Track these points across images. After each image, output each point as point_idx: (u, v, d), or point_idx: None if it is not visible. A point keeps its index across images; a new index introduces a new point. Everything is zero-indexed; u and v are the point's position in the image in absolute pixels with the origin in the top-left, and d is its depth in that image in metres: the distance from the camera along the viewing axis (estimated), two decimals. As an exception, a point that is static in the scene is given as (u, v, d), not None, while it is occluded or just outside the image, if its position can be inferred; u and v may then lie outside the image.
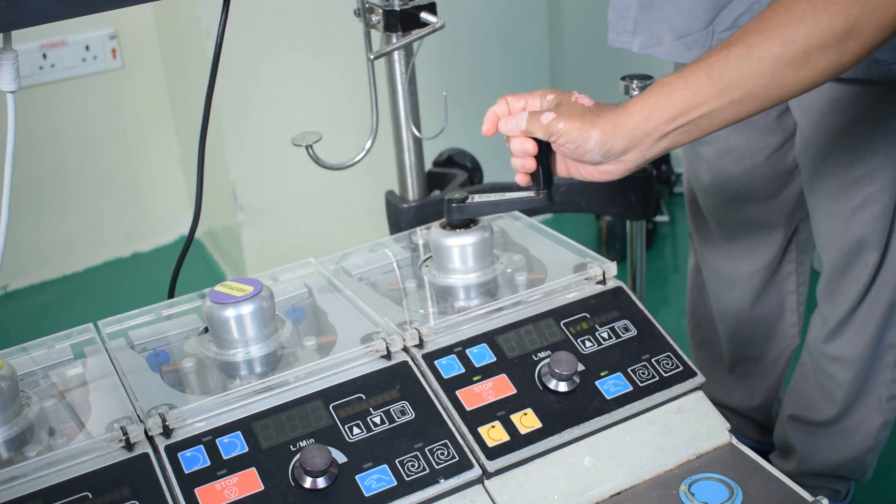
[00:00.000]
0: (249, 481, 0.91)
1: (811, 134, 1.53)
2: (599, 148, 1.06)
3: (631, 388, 1.04)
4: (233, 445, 0.93)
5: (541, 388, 1.02)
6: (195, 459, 0.92)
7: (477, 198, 1.16)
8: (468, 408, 0.99)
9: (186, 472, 0.91)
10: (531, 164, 1.11)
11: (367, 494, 0.91)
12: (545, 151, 1.11)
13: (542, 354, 1.05)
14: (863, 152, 1.49)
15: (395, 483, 0.92)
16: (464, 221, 1.16)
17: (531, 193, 1.13)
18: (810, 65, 0.99)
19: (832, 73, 1.01)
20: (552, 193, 1.13)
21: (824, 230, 1.59)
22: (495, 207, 1.16)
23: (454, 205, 1.15)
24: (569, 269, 1.17)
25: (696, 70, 1.03)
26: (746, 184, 1.72)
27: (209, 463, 0.92)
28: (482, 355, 1.04)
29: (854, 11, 0.96)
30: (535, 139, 1.10)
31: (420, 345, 1.05)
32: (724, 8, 1.46)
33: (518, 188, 1.15)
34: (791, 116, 1.60)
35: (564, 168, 1.13)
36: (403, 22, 1.44)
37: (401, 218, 1.58)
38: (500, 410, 1.00)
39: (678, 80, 1.03)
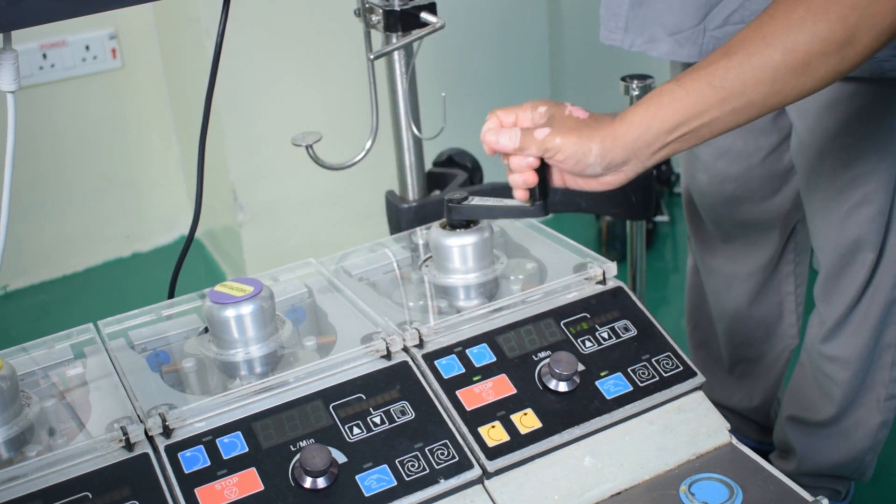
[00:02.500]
0: (249, 481, 0.91)
1: (807, 135, 1.54)
2: (600, 161, 1.04)
3: (631, 388, 1.04)
4: (233, 445, 0.93)
5: (541, 388, 1.02)
6: (195, 459, 0.92)
7: (476, 200, 1.15)
8: (468, 408, 0.99)
9: (186, 472, 0.91)
10: (532, 179, 1.08)
11: (367, 494, 0.91)
12: (541, 164, 1.08)
13: (542, 354, 1.05)
14: (858, 153, 1.49)
15: (395, 483, 0.92)
16: (464, 221, 1.16)
17: (527, 203, 1.11)
18: (810, 72, 0.99)
19: (831, 79, 1.00)
20: (547, 205, 1.11)
21: (821, 230, 1.59)
22: (491, 212, 1.14)
23: (453, 205, 1.14)
24: (569, 269, 1.17)
25: (696, 78, 1.01)
26: (743, 185, 1.72)
27: (209, 463, 0.92)
28: (482, 355, 1.04)
29: (853, 19, 0.96)
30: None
31: (420, 345, 1.05)
32: (715, 6, 1.46)
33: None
34: (787, 117, 1.60)
35: (560, 179, 1.11)
36: (403, 22, 1.44)
37: (401, 218, 1.58)
38: (500, 410, 1.00)
39: (678, 89, 1.02)
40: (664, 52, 1.53)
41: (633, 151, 1.04)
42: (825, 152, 1.52)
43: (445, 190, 1.66)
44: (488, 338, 1.06)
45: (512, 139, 1.06)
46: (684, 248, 2.87)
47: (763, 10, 1.01)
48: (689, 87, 1.01)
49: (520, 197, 1.10)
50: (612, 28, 1.57)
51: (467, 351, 1.05)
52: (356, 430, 0.96)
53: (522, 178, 1.08)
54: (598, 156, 1.03)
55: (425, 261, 1.23)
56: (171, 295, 1.27)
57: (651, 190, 1.65)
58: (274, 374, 1.02)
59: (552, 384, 1.02)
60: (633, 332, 1.10)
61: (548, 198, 1.10)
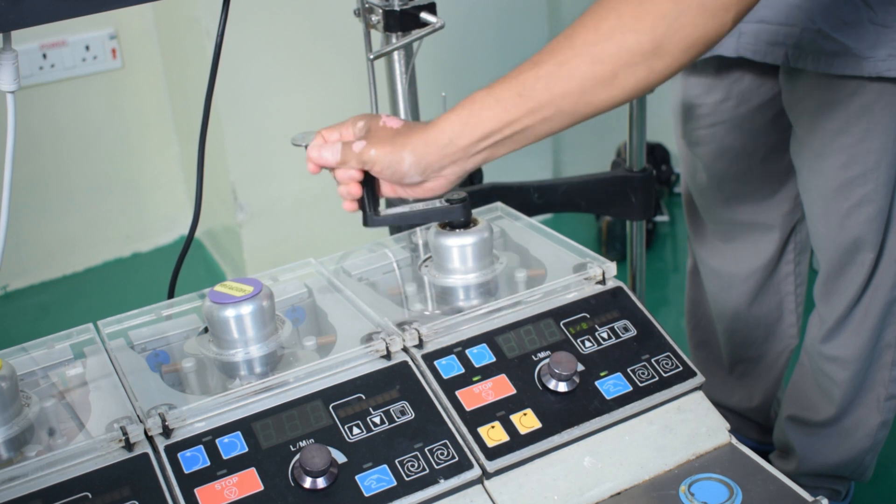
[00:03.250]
0: (249, 481, 0.91)
1: (806, 135, 1.54)
2: (415, 168, 1.06)
3: (631, 389, 1.04)
4: (233, 445, 0.93)
5: (540, 388, 1.02)
6: (195, 459, 0.92)
7: (394, 209, 1.17)
8: (468, 408, 0.99)
9: (186, 472, 0.91)
10: (357, 190, 1.11)
11: (366, 494, 0.91)
12: (368, 176, 1.11)
13: (541, 354, 1.05)
14: (857, 153, 1.49)
15: (395, 483, 0.92)
16: (464, 222, 1.16)
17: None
18: (618, 84, 0.99)
19: (640, 90, 1.01)
20: (369, 219, 1.15)
21: (820, 230, 1.59)
22: (404, 219, 1.16)
23: (370, 215, 1.15)
24: (569, 269, 1.17)
25: (506, 88, 1.02)
26: (742, 184, 1.72)
27: (209, 463, 0.92)
28: (482, 355, 1.04)
29: (661, 30, 0.96)
30: None
31: (420, 345, 1.05)
32: None
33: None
34: (786, 117, 1.60)
35: (390, 189, 1.13)
36: (403, 22, 1.44)
37: (401, 218, 1.57)
38: (499, 410, 1.00)
39: (489, 97, 1.03)
40: None
41: (448, 156, 1.05)
42: (824, 152, 1.52)
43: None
44: (488, 338, 1.06)
45: (333, 154, 1.09)
46: (684, 248, 2.87)
47: (577, 19, 1.01)
48: (499, 95, 1.02)
49: (348, 209, 1.15)
50: None
51: (467, 351, 1.05)
52: (356, 430, 0.96)
53: (347, 190, 1.12)
54: (412, 164, 1.05)
55: (425, 261, 1.23)
56: (171, 295, 1.27)
57: (651, 190, 1.65)
58: (274, 374, 1.02)
59: (552, 384, 1.02)
60: (633, 332, 1.10)
61: (377, 208, 1.14)
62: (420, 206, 1.15)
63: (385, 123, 1.09)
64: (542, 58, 1.01)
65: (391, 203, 1.65)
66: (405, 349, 1.05)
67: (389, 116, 1.10)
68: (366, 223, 1.16)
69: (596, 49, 0.98)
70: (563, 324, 1.09)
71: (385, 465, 0.93)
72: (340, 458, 0.93)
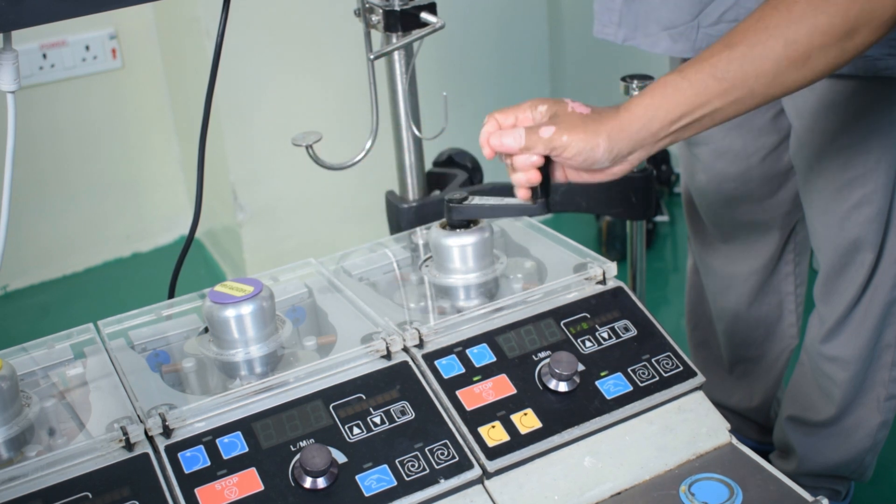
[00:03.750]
0: (249, 481, 0.91)
1: (805, 135, 1.54)
2: (608, 155, 1.04)
3: (631, 388, 1.04)
4: (233, 445, 0.93)
5: (541, 388, 1.02)
6: (195, 459, 0.92)
7: (476, 199, 1.15)
8: (468, 408, 0.99)
9: (186, 472, 0.91)
10: (536, 178, 1.07)
11: (367, 494, 0.91)
12: (545, 162, 1.08)
13: (542, 354, 1.05)
14: (857, 153, 1.49)
15: (395, 483, 0.92)
16: (464, 221, 1.16)
17: (528, 201, 1.11)
18: (811, 65, 1.00)
19: (830, 71, 1.02)
20: (549, 203, 1.10)
21: (820, 231, 1.59)
22: (493, 212, 1.14)
23: (453, 205, 1.14)
24: (569, 269, 1.17)
25: (699, 70, 1.02)
26: (742, 185, 1.72)
27: (209, 463, 0.92)
28: (482, 355, 1.04)
29: (854, 11, 0.97)
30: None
31: (420, 345, 1.05)
32: (710, 3, 1.46)
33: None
34: (786, 118, 1.60)
35: (563, 175, 1.11)
36: (403, 22, 1.44)
37: (401, 218, 1.58)
38: (500, 410, 1.00)
39: (681, 80, 1.02)
40: (657, 46, 1.54)
41: (639, 142, 1.05)
42: (824, 153, 1.52)
43: (445, 190, 1.67)
44: (488, 338, 1.06)
45: (517, 139, 1.05)
46: (684, 248, 2.87)
47: (764, 2, 1.01)
48: (692, 78, 1.02)
49: (522, 196, 1.10)
50: (605, 22, 1.58)
51: (467, 351, 1.05)
52: (356, 430, 0.96)
53: (527, 177, 1.07)
54: (606, 149, 1.04)
55: (425, 261, 1.23)
56: (171, 295, 1.27)
57: (651, 190, 1.65)
58: (274, 374, 1.02)
59: (552, 384, 1.02)
60: (633, 332, 1.10)
61: (549, 195, 1.10)
62: (506, 201, 1.13)
63: (573, 109, 1.06)
64: (733, 39, 1.02)
65: (390, 201, 1.65)
66: (405, 349, 1.05)
67: (576, 102, 1.07)
68: (547, 209, 1.11)
69: (789, 31, 0.99)
70: (564, 324, 1.09)
71: (385, 465, 0.93)
72: (341, 458, 0.93)
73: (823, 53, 0.99)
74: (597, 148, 1.03)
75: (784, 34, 0.99)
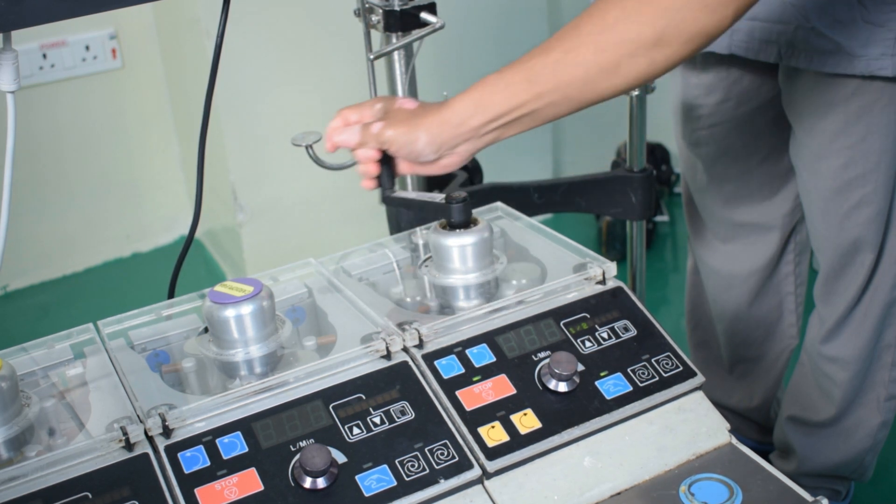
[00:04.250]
0: (249, 481, 0.91)
1: (805, 136, 1.54)
2: (430, 147, 1.11)
3: (631, 389, 1.04)
4: (233, 445, 0.93)
5: (541, 388, 1.02)
6: (195, 459, 0.92)
7: (405, 193, 1.23)
8: (468, 408, 0.99)
9: (186, 472, 0.91)
10: (374, 169, 1.18)
11: (367, 494, 0.91)
12: (387, 155, 1.17)
13: (541, 354, 1.05)
14: (857, 154, 1.49)
15: (395, 483, 0.92)
16: (464, 222, 1.16)
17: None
18: (621, 73, 1.04)
19: (642, 80, 1.05)
20: (387, 196, 1.21)
21: (820, 231, 1.59)
22: (410, 204, 1.21)
23: (388, 194, 1.21)
24: (569, 269, 1.17)
25: (516, 73, 1.07)
26: (743, 185, 1.72)
27: (209, 463, 0.92)
28: (482, 355, 1.04)
29: (661, 23, 1.00)
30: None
31: (420, 345, 1.05)
32: None
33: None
34: (786, 118, 1.60)
35: (406, 167, 1.18)
36: (403, 22, 1.44)
37: (401, 218, 1.58)
38: (499, 410, 1.00)
39: (499, 81, 1.08)
40: None
41: (460, 136, 1.11)
42: (824, 153, 1.52)
43: (445, 190, 1.67)
44: (488, 338, 1.06)
45: (353, 135, 1.16)
46: (684, 248, 2.87)
47: (584, 10, 1.05)
48: (509, 80, 1.07)
49: (367, 186, 1.22)
50: None
51: (467, 351, 1.05)
52: (356, 430, 0.96)
53: (366, 169, 1.18)
54: (427, 142, 1.11)
55: (425, 261, 1.23)
56: (171, 295, 1.27)
57: (651, 190, 1.65)
58: (274, 374, 1.02)
59: (552, 384, 1.02)
60: (633, 332, 1.10)
61: (393, 186, 1.21)
62: (425, 196, 1.20)
63: (401, 105, 1.15)
64: (550, 45, 1.06)
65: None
66: (405, 349, 1.05)
67: (405, 98, 1.16)
68: (382, 200, 1.22)
69: (601, 38, 1.03)
70: (564, 324, 1.09)
71: (385, 465, 0.93)
72: (340, 458, 0.93)
73: (633, 62, 1.02)
74: (417, 141, 1.11)
75: (595, 41, 1.03)
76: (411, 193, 1.22)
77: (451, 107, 1.10)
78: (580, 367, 1.04)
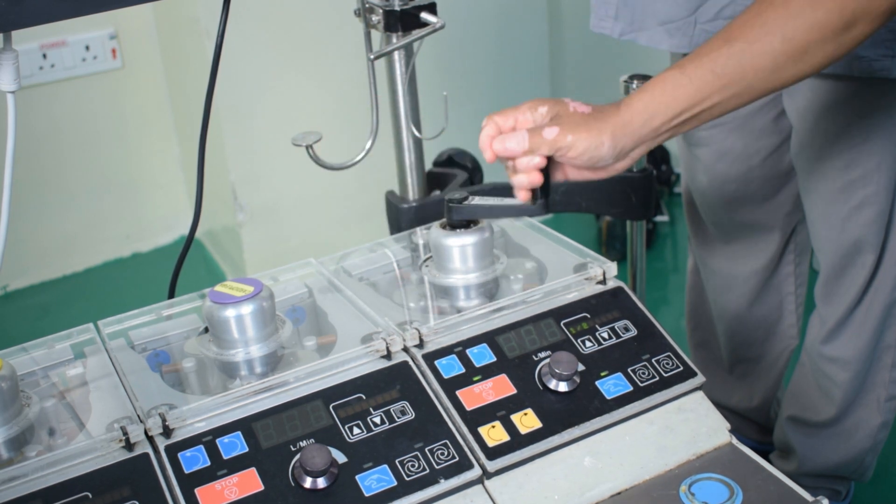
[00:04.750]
0: (249, 481, 0.91)
1: (806, 136, 1.53)
2: (612, 152, 1.05)
3: (631, 388, 1.04)
4: (233, 445, 0.93)
5: (541, 388, 1.02)
6: (195, 459, 0.92)
7: (476, 200, 1.14)
8: (468, 408, 0.99)
9: (186, 472, 0.91)
10: (539, 179, 1.06)
11: (367, 494, 0.91)
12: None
13: (542, 354, 1.05)
14: (859, 155, 1.49)
15: (395, 483, 0.92)
16: (464, 221, 1.16)
17: (528, 202, 1.09)
18: (808, 59, 1.01)
19: (826, 65, 1.03)
20: (549, 203, 1.10)
21: (821, 232, 1.59)
22: (492, 212, 1.14)
23: (453, 205, 1.14)
24: (569, 269, 1.17)
25: (699, 66, 1.03)
26: (743, 186, 1.72)
27: (209, 463, 0.92)
28: (482, 355, 1.04)
29: (851, 6, 0.98)
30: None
31: (420, 345, 1.05)
32: None
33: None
34: (787, 118, 1.60)
35: (563, 174, 1.10)
36: (403, 22, 1.44)
37: (401, 218, 1.58)
38: (500, 410, 1.00)
39: (681, 76, 1.04)
40: (654, 40, 1.54)
41: (641, 137, 1.06)
42: (825, 154, 1.52)
43: (445, 190, 1.67)
44: (488, 338, 1.06)
45: (520, 142, 1.04)
46: (684, 248, 2.87)
47: None
48: (692, 74, 1.03)
49: (522, 197, 1.09)
50: (602, 16, 1.58)
51: (467, 351, 1.05)
52: (356, 430, 0.96)
53: (529, 179, 1.06)
54: (611, 147, 1.04)
55: (425, 261, 1.23)
56: (171, 295, 1.27)
57: (651, 190, 1.65)
58: (274, 374, 1.02)
59: (552, 384, 1.02)
60: (633, 332, 1.10)
61: (549, 195, 1.09)
62: (506, 201, 1.12)
63: (575, 109, 1.06)
64: (731, 34, 1.03)
65: (390, 200, 1.65)
66: (405, 349, 1.05)
67: (576, 101, 1.07)
68: (547, 210, 1.10)
69: (787, 26, 1.00)
70: (564, 324, 1.09)
71: (385, 465, 0.93)
72: (340, 458, 0.93)
73: (821, 47, 1.00)
74: (601, 146, 1.04)
75: (782, 30, 1.00)
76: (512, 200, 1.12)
77: (632, 107, 1.04)
78: (580, 367, 1.04)
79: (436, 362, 1.03)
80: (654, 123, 1.04)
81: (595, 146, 1.04)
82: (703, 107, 1.04)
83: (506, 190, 1.13)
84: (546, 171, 1.07)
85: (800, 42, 1.00)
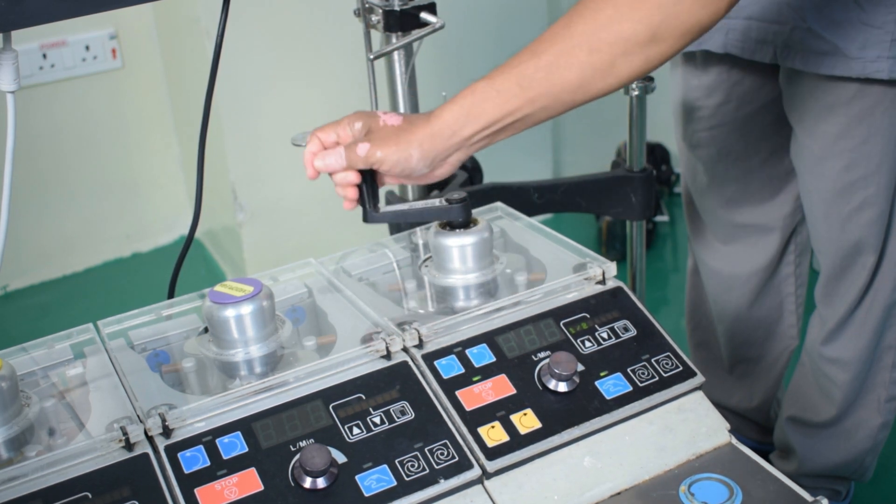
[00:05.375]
0: (249, 481, 0.91)
1: (806, 138, 1.53)
2: (423, 161, 1.07)
3: (631, 389, 1.04)
4: (233, 445, 0.93)
5: (540, 388, 1.02)
6: (195, 459, 0.92)
7: (395, 205, 1.17)
8: (468, 408, 0.99)
9: (186, 472, 0.91)
10: (354, 194, 1.12)
11: (366, 494, 0.91)
12: (367, 174, 1.12)
13: (541, 354, 1.05)
14: (858, 156, 1.49)
15: (395, 483, 0.92)
16: (464, 221, 1.16)
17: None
18: (615, 72, 1.02)
19: (636, 77, 1.03)
20: (377, 209, 1.14)
21: (821, 233, 1.59)
22: (405, 216, 1.16)
23: (370, 210, 1.14)
24: (569, 269, 1.17)
25: (507, 78, 1.04)
26: (743, 186, 1.72)
27: (209, 463, 0.92)
28: (482, 355, 1.04)
29: (657, 19, 0.98)
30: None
31: (420, 345, 1.05)
32: None
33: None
34: (787, 120, 1.60)
35: (395, 181, 1.14)
36: (403, 22, 1.44)
37: (401, 218, 1.57)
38: (499, 410, 1.00)
39: (490, 89, 1.05)
40: None
41: (452, 146, 1.07)
42: (825, 155, 1.52)
43: (445, 190, 1.67)
44: (488, 338, 1.06)
45: (338, 160, 1.09)
46: (684, 248, 2.87)
47: (572, 7, 1.03)
48: (500, 86, 1.05)
49: (348, 208, 1.15)
50: None
51: (467, 351, 1.04)
52: (356, 430, 0.96)
53: (345, 193, 1.12)
54: (420, 158, 1.07)
55: (425, 261, 1.23)
56: (171, 295, 1.27)
57: (651, 190, 1.65)
58: (274, 374, 1.02)
59: (552, 384, 1.02)
60: (633, 332, 1.10)
61: (377, 202, 1.14)
62: (419, 204, 1.16)
63: (385, 122, 1.09)
64: (540, 47, 1.03)
65: (390, 201, 1.65)
66: (405, 349, 1.05)
67: (387, 113, 1.11)
68: (365, 219, 1.16)
69: (594, 39, 1.00)
70: (563, 324, 1.09)
71: (385, 465, 0.93)
72: (340, 458, 0.93)
73: (628, 61, 1.01)
74: (410, 158, 1.07)
75: (588, 42, 1.00)
76: (402, 205, 1.17)
77: (440, 118, 1.06)
78: (580, 367, 1.04)
79: (435, 362, 1.03)
80: (464, 133, 1.06)
81: (404, 159, 1.06)
82: (512, 118, 1.05)
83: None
84: (373, 179, 1.12)
85: (606, 55, 1.00)
